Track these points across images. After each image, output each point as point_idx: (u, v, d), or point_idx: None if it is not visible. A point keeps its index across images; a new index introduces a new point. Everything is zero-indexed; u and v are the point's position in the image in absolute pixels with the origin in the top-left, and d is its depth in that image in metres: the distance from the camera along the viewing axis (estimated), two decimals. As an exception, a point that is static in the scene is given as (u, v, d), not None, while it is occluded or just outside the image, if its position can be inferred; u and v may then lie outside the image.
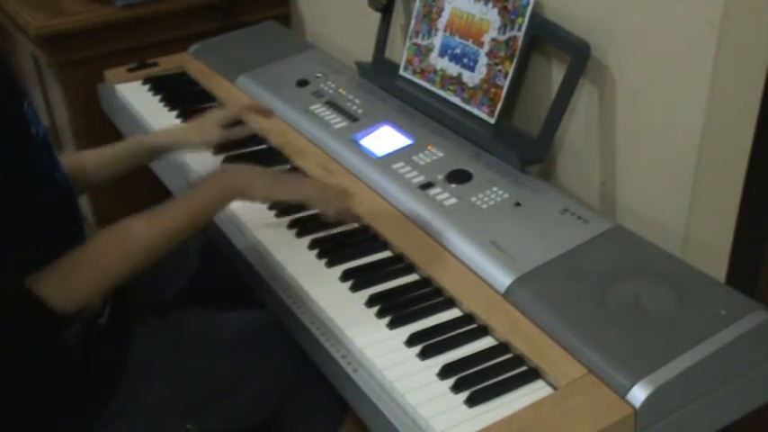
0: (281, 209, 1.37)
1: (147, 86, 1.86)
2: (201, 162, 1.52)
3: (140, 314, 1.27)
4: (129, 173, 1.41)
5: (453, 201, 1.29)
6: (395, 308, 1.14)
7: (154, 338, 1.22)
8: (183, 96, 1.81)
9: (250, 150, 1.58)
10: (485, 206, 1.27)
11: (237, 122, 1.53)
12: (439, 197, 1.31)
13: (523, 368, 1.03)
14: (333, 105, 1.61)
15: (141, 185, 1.57)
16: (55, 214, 1.09)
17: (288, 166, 1.52)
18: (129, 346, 1.20)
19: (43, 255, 1.03)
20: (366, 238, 1.30)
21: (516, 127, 1.45)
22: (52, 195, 1.09)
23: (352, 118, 1.56)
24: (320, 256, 1.26)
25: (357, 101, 1.62)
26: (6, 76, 1.06)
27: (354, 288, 1.18)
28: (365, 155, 1.45)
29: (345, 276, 1.20)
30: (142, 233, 1.11)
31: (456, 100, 1.47)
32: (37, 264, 1.02)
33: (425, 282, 1.20)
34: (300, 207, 1.37)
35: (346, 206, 1.27)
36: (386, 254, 1.26)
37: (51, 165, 1.11)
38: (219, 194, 1.19)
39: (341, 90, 1.67)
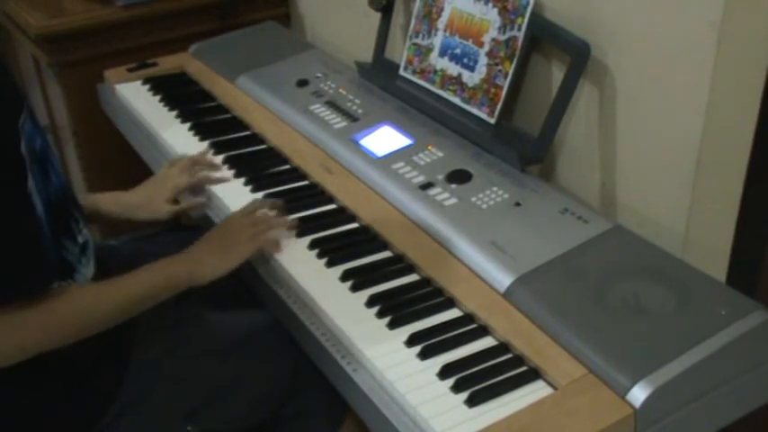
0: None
1: (146, 86, 1.86)
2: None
3: (140, 316, 1.27)
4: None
5: (453, 201, 1.29)
6: (395, 308, 1.14)
7: (154, 340, 1.22)
8: (183, 96, 1.81)
9: (250, 150, 1.58)
10: (485, 206, 1.27)
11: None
12: (439, 197, 1.31)
13: (523, 368, 1.03)
14: (333, 105, 1.61)
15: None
16: (19, 253, 1.02)
17: (288, 166, 1.52)
18: (129, 349, 1.20)
19: None
20: (366, 238, 1.30)
21: (516, 127, 1.45)
22: (20, 232, 1.02)
23: (352, 118, 1.56)
24: (320, 256, 1.26)
25: (357, 101, 1.62)
26: (6, 87, 1.04)
27: (354, 288, 1.18)
28: (365, 155, 1.45)
29: (345, 276, 1.20)
30: (91, 303, 1.09)
31: (456, 100, 1.47)
32: None
33: (425, 282, 1.20)
34: (300, 207, 1.37)
35: (284, 221, 1.31)
36: (386, 254, 1.26)
37: (42, 181, 1.08)
38: (164, 283, 1.16)
39: (341, 90, 1.67)
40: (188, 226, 1.64)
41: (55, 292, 1.04)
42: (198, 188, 1.48)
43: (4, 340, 1.00)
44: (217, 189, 1.46)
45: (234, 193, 1.43)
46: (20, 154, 1.03)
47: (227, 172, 1.51)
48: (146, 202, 1.45)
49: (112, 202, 1.45)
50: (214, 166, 1.52)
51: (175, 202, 1.47)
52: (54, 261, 1.09)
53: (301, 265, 1.24)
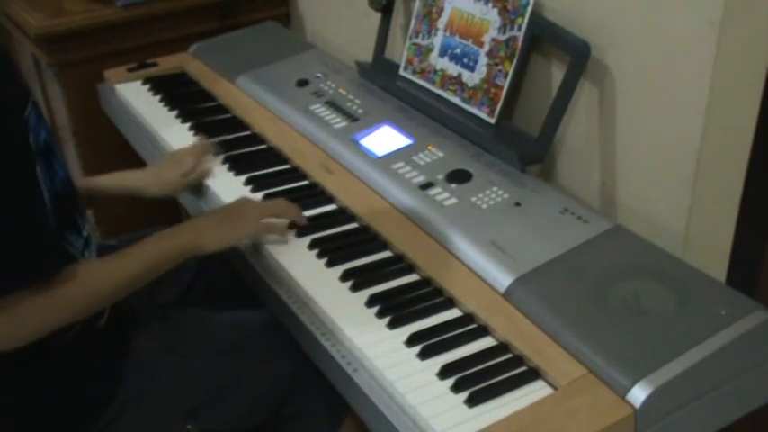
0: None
1: (146, 86, 1.86)
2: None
3: (140, 316, 1.27)
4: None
5: (453, 201, 1.29)
6: (395, 308, 1.14)
7: (153, 340, 1.22)
8: (183, 96, 1.81)
9: (250, 150, 1.58)
10: (485, 206, 1.27)
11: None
12: (439, 197, 1.31)
13: (523, 368, 1.03)
14: (333, 105, 1.61)
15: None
16: (30, 238, 1.04)
17: (288, 166, 1.52)
18: (129, 348, 1.20)
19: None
20: (366, 238, 1.30)
21: (516, 127, 1.45)
22: (31, 217, 1.04)
23: (352, 118, 1.56)
24: (320, 256, 1.26)
25: (357, 101, 1.62)
26: (13, 81, 1.05)
27: (354, 288, 1.18)
28: (365, 155, 1.45)
29: (345, 276, 1.20)
30: (97, 279, 1.10)
31: (456, 100, 1.47)
32: None
33: (425, 282, 1.20)
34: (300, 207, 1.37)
35: (296, 211, 1.31)
36: (386, 254, 1.26)
37: (48, 173, 1.09)
38: (169, 254, 1.18)
39: (341, 90, 1.67)
40: None
41: (64, 274, 1.05)
42: (198, 180, 1.49)
43: (19, 324, 1.02)
44: (217, 189, 1.46)
45: (234, 193, 1.43)
46: (28, 144, 1.05)
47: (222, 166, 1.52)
48: (157, 174, 1.48)
49: (117, 179, 1.47)
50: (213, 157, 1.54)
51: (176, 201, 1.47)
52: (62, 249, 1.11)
53: (301, 265, 1.24)
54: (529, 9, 1.34)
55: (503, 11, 1.38)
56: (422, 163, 1.40)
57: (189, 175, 1.46)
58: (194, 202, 1.48)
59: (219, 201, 1.43)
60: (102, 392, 1.16)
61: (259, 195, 1.42)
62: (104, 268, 1.13)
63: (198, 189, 1.48)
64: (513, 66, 1.36)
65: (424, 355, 1.06)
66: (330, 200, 1.41)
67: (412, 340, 1.08)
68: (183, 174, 1.45)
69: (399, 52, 1.62)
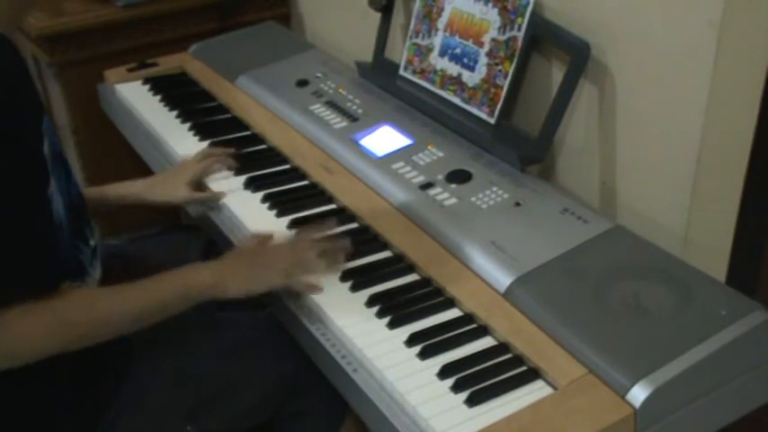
0: (281, 209, 1.37)
1: (147, 86, 1.86)
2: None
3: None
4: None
5: (453, 201, 1.29)
6: (395, 308, 1.14)
7: (154, 341, 1.22)
8: (183, 96, 1.81)
9: (250, 150, 1.58)
10: (485, 206, 1.27)
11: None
12: (439, 197, 1.31)
13: (523, 368, 1.03)
14: (333, 105, 1.61)
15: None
16: (32, 251, 1.01)
17: (288, 166, 1.52)
18: (129, 349, 1.20)
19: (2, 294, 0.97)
20: (366, 238, 1.30)
21: (516, 127, 1.45)
22: (35, 230, 1.02)
23: (352, 118, 1.56)
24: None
25: (357, 101, 1.62)
26: (32, 91, 1.04)
27: (354, 288, 1.18)
28: (365, 155, 1.45)
29: (345, 276, 1.20)
30: (106, 307, 1.06)
31: (456, 100, 1.47)
32: None
33: (425, 282, 1.20)
34: (300, 207, 1.37)
35: (325, 248, 1.20)
36: (386, 254, 1.26)
37: (65, 182, 1.09)
38: (187, 292, 1.12)
39: (341, 90, 1.67)
40: (188, 226, 1.64)
41: (67, 294, 1.03)
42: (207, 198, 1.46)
43: (20, 341, 0.99)
44: (215, 187, 1.46)
45: (234, 193, 1.43)
46: (43, 157, 1.04)
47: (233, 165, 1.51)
48: (162, 182, 1.44)
49: (124, 187, 1.44)
50: (227, 160, 1.51)
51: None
52: (68, 260, 1.10)
53: (301, 265, 1.24)
54: (529, 9, 1.33)
55: (503, 11, 1.38)
56: (422, 163, 1.40)
57: (195, 184, 1.43)
58: (196, 204, 1.48)
59: (220, 200, 1.43)
60: (102, 393, 1.16)
61: (259, 195, 1.42)
62: (115, 297, 1.08)
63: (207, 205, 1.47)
64: (513, 66, 1.36)
65: (424, 355, 1.06)
66: (330, 200, 1.41)
67: (412, 340, 1.08)
68: (187, 182, 1.42)
69: (399, 52, 1.62)
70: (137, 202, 1.43)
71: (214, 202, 1.42)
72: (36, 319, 1.00)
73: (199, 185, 1.45)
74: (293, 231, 1.30)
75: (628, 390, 0.95)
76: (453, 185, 1.33)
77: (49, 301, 1.01)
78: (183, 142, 1.62)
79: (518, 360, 1.04)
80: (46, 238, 1.03)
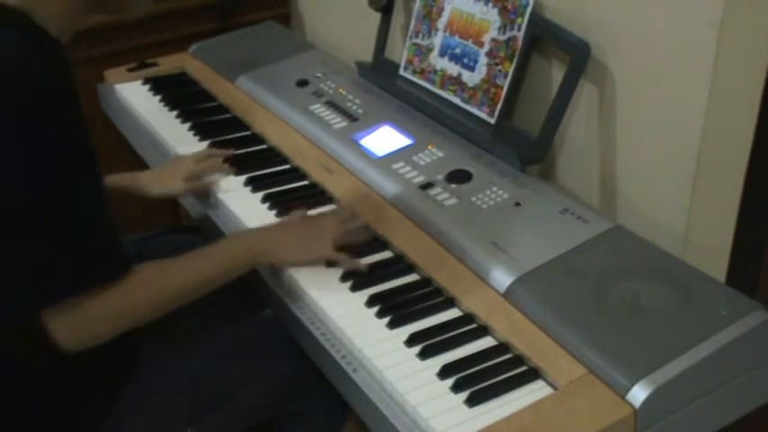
0: (282, 208, 1.37)
1: (147, 86, 1.86)
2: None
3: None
4: None
5: (453, 201, 1.29)
6: (395, 308, 1.14)
7: (155, 342, 1.22)
8: (183, 96, 1.81)
9: (250, 150, 1.58)
10: (485, 206, 1.27)
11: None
12: (439, 197, 1.31)
13: (523, 368, 1.03)
14: (333, 105, 1.61)
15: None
16: (96, 236, 1.02)
17: (288, 166, 1.52)
18: (131, 350, 1.20)
19: (72, 285, 0.98)
20: (366, 239, 1.30)
21: (516, 127, 1.45)
22: (100, 216, 1.02)
23: (352, 118, 1.56)
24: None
25: (357, 101, 1.62)
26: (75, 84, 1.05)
27: (354, 288, 1.18)
28: (365, 155, 1.45)
29: (345, 276, 1.20)
30: (166, 282, 1.09)
31: (456, 100, 1.47)
32: (61, 293, 0.97)
33: (425, 282, 1.20)
34: (300, 206, 1.37)
35: (361, 224, 1.28)
36: (386, 254, 1.26)
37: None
38: (242, 257, 1.17)
39: (341, 90, 1.67)
40: (189, 227, 1.64)
41: (128, 276, 1.04)
42: (203, 188, 1.48)
43: (84, 326, 1.01)
44: (216, 188, 1.46)
45: (234, 193, 1.44)
46: (95, 147, 1.04)
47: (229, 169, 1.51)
48: (160, 176, 1.48)
49: (125, 178, 1.47)
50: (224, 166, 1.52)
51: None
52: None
53: (301, 266, 1.24)
54: (529, 9, 1.34)
55: (503, 11, 1.38)
56: (422, 163, 1.40)
57: (191, 179, 1.45)
58: (196, 204, 1.48)
59: (219, 200, 1.43)
60: (103, 394, 1.16)
61: (259, 195, 1.42)
62: (171, 268, 1.10)
63: (204, 195, 1.48)
64: (513, 66, 1.36)
65: (424, 355, 1.06)
66: (330, 200, 1.41)
67: (412, 340, 1.08)
68: (183, 177, 1.45)
69: (399, 52, 1.62)
70: (136, 192, 1.46)
71: (210, 186, 1.46)
72: (98, 303, 1.00)
73: (197, 179, 1.47)
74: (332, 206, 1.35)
75: (628, 390, 0.95)
76: (453, 185, 1.33)
77: (121, 282, 1.02)
78: (183, 142, 1.62)
79: (518, 360, 1.04)
80: (113, 223, 1.04)
